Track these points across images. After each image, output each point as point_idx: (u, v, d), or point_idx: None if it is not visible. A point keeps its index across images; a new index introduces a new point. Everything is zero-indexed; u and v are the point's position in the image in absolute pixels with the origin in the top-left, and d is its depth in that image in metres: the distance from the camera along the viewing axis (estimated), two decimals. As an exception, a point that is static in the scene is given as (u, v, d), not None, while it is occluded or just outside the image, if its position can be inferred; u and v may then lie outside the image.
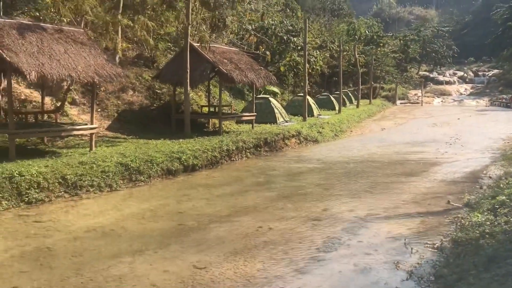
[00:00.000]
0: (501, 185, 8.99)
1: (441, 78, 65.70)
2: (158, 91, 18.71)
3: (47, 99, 15.39)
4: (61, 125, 11.98)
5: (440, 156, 15.42)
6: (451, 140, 19.50)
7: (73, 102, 16.17)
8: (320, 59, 32.38)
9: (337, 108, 31.38)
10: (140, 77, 18.76)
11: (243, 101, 24.94)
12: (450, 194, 9.75)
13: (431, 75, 66.95)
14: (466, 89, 60.66)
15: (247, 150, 15.11)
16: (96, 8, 13.98)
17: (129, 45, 21.02)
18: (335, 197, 9.62)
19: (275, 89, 30.66)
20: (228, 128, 18.99)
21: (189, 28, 15.19)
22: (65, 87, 15.02)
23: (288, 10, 47.70)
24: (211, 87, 21.65)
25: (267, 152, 15.98)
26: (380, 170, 12.86)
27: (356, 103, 38.67)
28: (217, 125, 19.02)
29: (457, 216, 7.82)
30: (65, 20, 14.26)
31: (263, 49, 25.12)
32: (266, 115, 21.22)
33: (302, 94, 29.52)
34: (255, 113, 18.92)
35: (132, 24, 14.34)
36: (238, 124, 20.20)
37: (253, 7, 23.21)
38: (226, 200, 9.41)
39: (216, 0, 15.04)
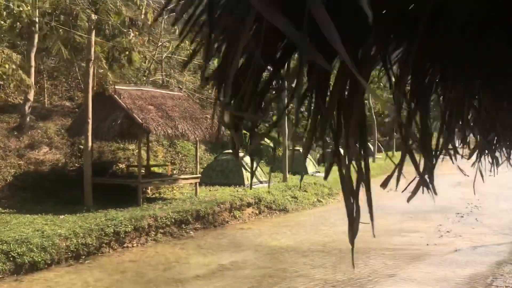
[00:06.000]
0: None
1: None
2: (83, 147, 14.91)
3: None
4: None
5: (436, 240, 10.64)
6: (466, 209, 14.54)
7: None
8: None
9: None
10: (63, 130, 15.12)
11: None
12: None
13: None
14: None
15: (160, 230, 10.88)
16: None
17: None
18: None
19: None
20: (170, 194, 14.87)
21: (91, 65, 11.46)
22: None
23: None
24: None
25: (198, 231, 11.69)
26: (324, 270, 8.25)
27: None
28: (162, 191, 15.06)
29: None
30: None
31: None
32: (233, 175, 16.93)
33: (298, 148, 25.27)
34: (199, 175, 14.66)
35: None
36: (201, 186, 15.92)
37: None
38: None
39: (115, 27, 11.34)
